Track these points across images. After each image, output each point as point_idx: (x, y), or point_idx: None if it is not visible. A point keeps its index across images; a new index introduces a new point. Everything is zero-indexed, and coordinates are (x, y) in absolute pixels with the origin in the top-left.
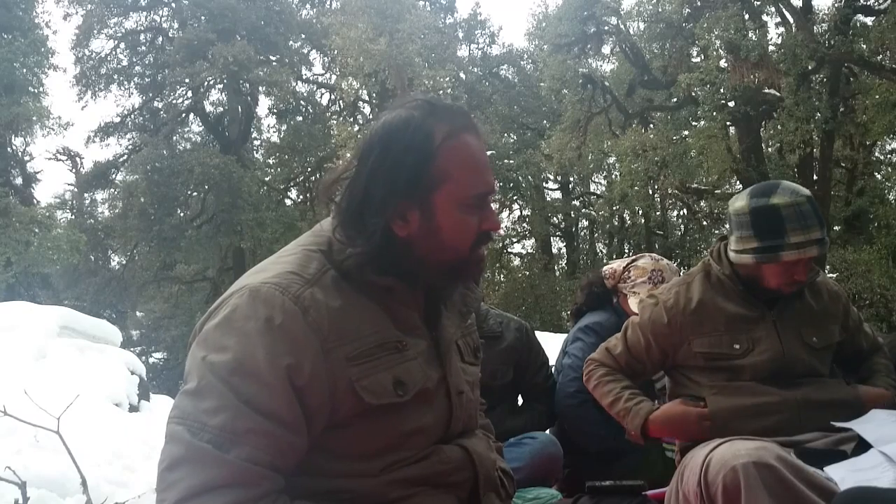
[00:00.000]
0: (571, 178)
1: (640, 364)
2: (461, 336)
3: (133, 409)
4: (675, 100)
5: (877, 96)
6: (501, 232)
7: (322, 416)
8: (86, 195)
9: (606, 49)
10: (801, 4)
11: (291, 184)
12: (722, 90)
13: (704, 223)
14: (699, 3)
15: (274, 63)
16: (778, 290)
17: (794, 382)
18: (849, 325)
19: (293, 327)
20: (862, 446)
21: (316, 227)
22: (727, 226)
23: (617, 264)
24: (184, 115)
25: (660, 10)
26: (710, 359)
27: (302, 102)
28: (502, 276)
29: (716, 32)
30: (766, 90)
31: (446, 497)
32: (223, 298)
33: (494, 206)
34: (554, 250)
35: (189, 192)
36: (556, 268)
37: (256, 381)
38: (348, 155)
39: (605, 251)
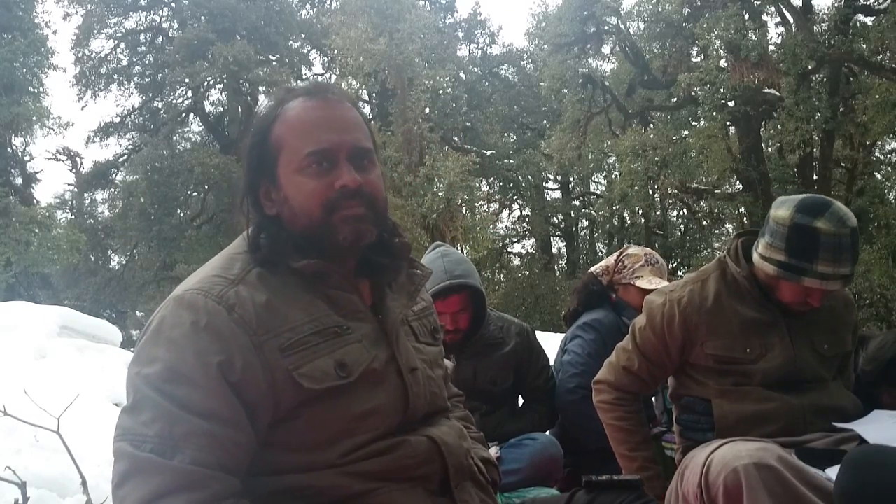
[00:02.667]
0: (571, 178)
1: (661, 368)
2: (416, 318)
3: None
4: (675, 100)
5: (877, 96)
6: (501, 232)
7: (264, 409)
8: (86, 195)
9: (606, 49)
10: (801, 4)
11: None
12: (722, 90)
13: (704, 223)
14: (699, 3)
15: (274, 63)
16: (787, 305)
17: (800, 388)
18: (855, 339)
19: (219, 326)
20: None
21: (243, 234)
22: (727, 225)
23: (606, 262)
24: (184, 115)
25: (660, 10)
26: (721, 361)
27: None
28: (502, 276)
29: (716, 32)
30: (766, 90)
31: (413, 490)
32: (153, 315)
33: (495, 204)
34: (554, 250)
35: (189, 192)
36: (556, 268)
37: (189, 385)
38: None
39: (605, 251)
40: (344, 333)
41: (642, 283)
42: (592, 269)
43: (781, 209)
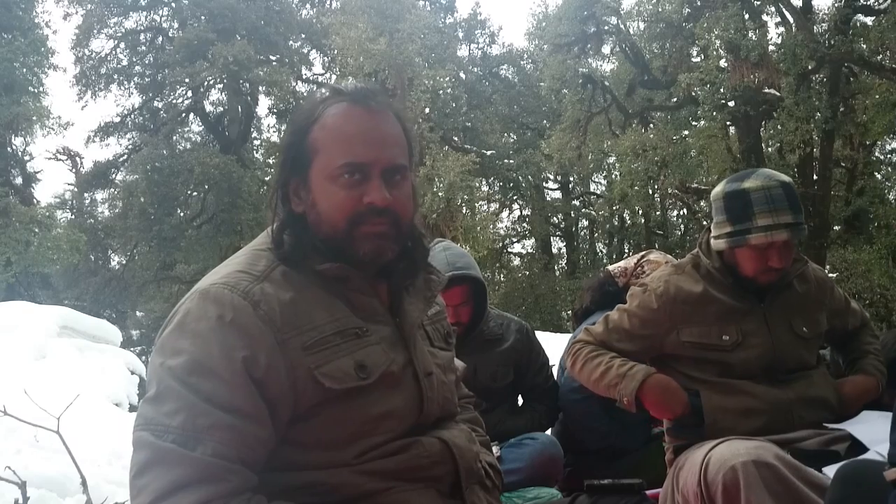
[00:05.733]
0: (571, 178)
1: (619, 346)
2: (430, 323)
3: (133, 409)
4: (675, 100)
5: (877, 96)
6: (501, 232)
7: (285, 406)
8: (86, 195)
9: (606, 49)
10: (801, 4)
11: None
12: (722, 90)
13: (704, 223)
14: (699, 3)
15: (274, 63)
16: (755, 278)
17: (784, 379)
18: (835, 308)
19: (245, 321)
20: (855, 447)
21: (268, 228)
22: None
23: (625, 263)
24: (184, 115)
25: (660, 9)
26: (700, 349)
27: (302, 102)
28: (502, 276)
29: (716, 32)
30: (766, 90)
31: (426, 491)
32: (177, 306)
33: (495, 204)
34: (554, 250)
35: (189, 192)
36: (556, 268)
37: (214, 378)
38: None
39: (605, 251)
40: (364, 335)
41: None
42: (610, 268)
43: (715, 189)
